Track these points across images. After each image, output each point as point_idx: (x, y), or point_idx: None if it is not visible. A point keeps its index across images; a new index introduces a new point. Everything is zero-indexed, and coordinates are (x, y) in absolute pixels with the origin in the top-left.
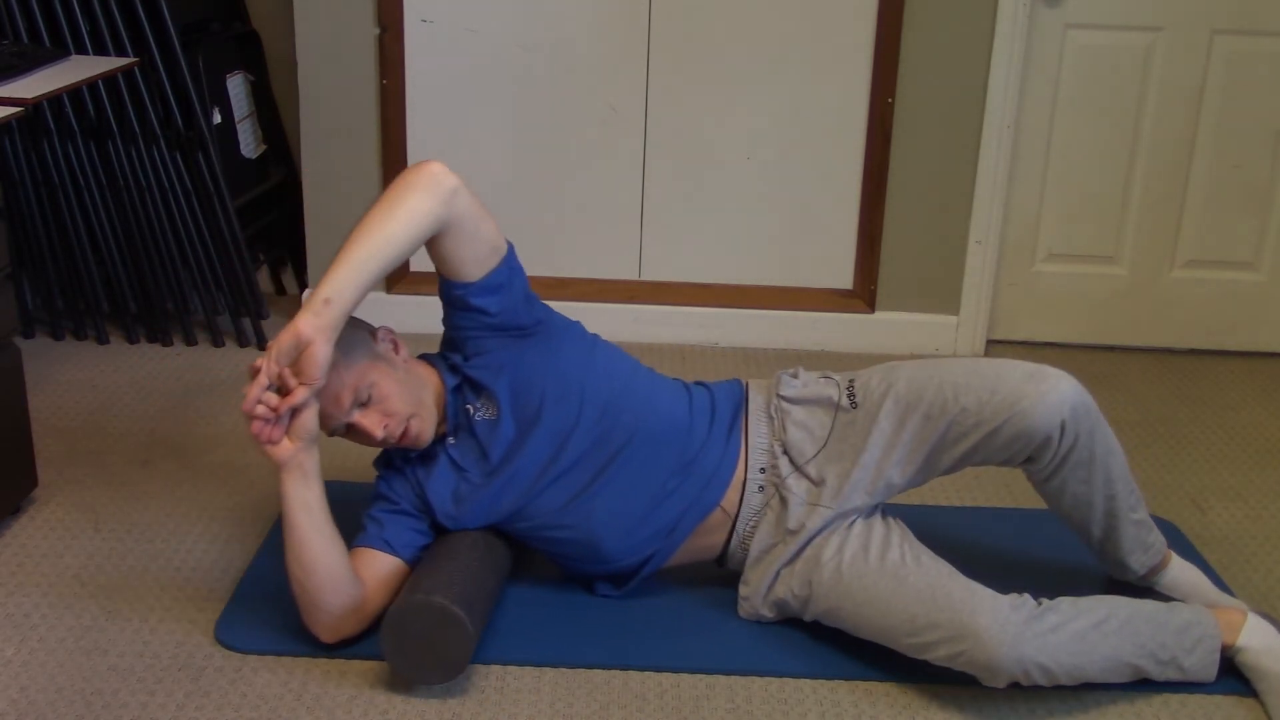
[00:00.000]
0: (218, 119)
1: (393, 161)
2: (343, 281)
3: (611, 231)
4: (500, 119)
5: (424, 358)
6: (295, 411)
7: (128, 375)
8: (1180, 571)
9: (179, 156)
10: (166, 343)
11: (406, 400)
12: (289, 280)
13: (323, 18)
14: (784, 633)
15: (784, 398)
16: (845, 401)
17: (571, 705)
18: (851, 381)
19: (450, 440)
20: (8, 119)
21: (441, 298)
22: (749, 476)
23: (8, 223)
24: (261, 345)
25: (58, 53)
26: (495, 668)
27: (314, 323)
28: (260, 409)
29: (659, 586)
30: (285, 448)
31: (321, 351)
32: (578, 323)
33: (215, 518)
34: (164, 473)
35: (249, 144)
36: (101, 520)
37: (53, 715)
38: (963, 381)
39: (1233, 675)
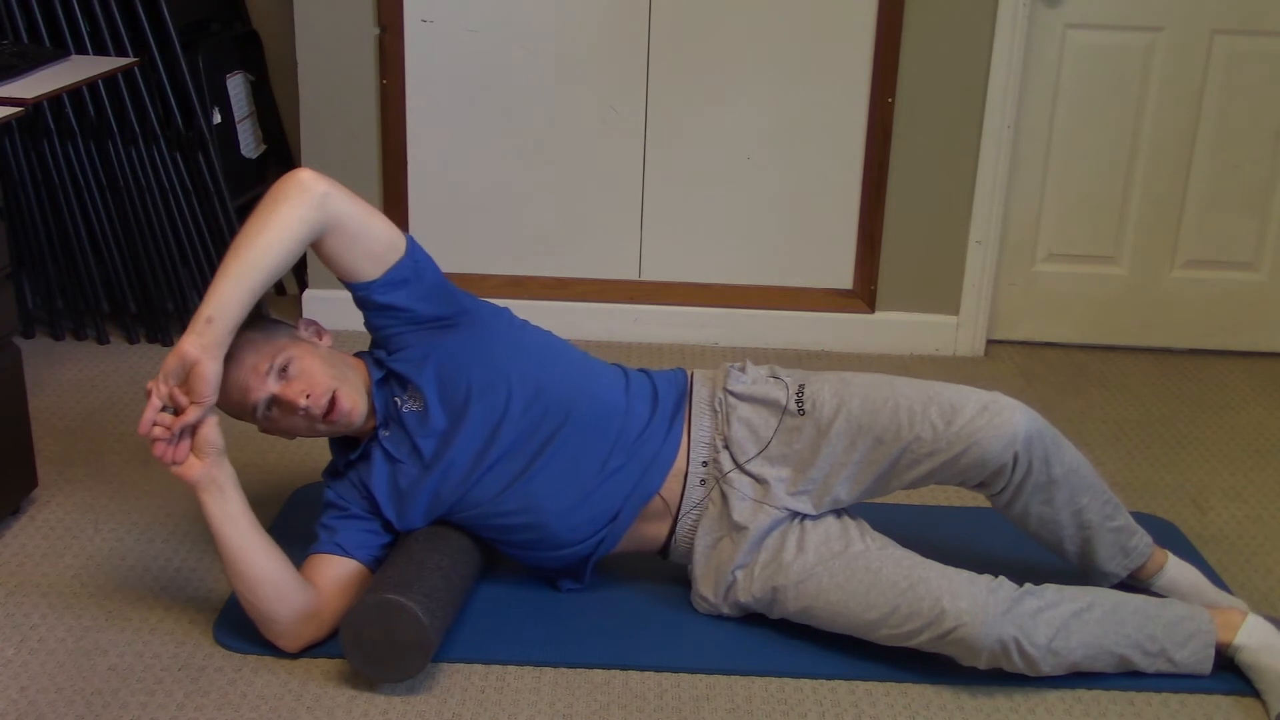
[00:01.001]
0: (218, 119)
1: (393, 162)
2: (223, 298)
3: (611, 231)
4: (500, 118)
5: (355, 355)
6: (195, 429)
7: (128, 375)
8: (1179, 572)
9: (179, 156)
10: (166, 343)
11: (329, 374)
12: (289, 280)
13: (323, 18)
14: (784, 633)
15: (731, 393)
16: (793, 406)
17: (571, 705)
18: (801, 387)
19: (384, 433)
20: (8, 119)
21: (355, 303)
22: (690, 469)
23: (8, 223)
24: None
25: (58, 53)
26: (495, 668)
27: (198, 342)
28: (157, 430)
29: (658, 586)
30: (194, 466)
31: (209, 369)
32: (506, 309)
33: None
34: (164, 473)
35: (249, 144)
36: (101, 520)
37: (53, 715)
38: (919, 410)
39: (1234, 675)
